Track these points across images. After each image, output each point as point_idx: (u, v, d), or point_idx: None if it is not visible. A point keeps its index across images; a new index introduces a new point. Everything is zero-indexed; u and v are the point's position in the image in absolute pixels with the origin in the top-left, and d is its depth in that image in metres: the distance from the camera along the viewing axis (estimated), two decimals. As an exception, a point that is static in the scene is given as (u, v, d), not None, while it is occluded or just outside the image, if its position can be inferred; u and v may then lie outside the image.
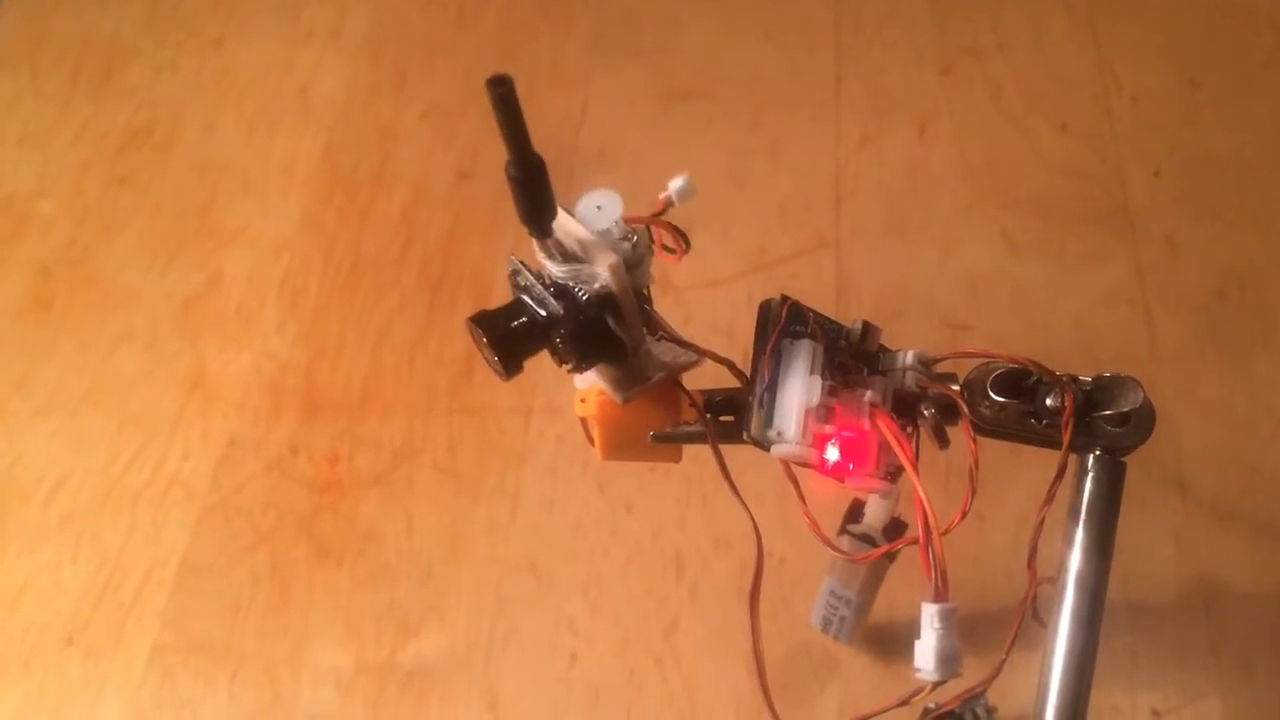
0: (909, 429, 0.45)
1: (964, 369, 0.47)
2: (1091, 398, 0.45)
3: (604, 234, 0.41)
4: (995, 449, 0.47)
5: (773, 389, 0.43)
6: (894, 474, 0.45)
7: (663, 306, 0.45)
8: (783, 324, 0.44)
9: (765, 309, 0.45)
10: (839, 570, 0.63)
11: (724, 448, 0.46)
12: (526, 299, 0.41)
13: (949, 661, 0.42)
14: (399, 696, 0.74)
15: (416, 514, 0.82)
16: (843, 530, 0.60)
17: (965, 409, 0.45)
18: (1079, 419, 0.45)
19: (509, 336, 0.40)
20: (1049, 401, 0.45)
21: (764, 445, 0.43)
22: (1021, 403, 0.46)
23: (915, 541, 0.42)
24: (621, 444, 0.49)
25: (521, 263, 0.41)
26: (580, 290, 0.40)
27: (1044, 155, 0.95)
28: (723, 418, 0.47)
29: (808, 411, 0.42)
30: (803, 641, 0.72)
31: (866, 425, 0.43)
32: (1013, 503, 0.73)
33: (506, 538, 0.80)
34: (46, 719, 0.76)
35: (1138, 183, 0.92)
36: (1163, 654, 0.69)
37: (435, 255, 0.96)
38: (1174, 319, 0.84)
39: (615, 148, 1.01)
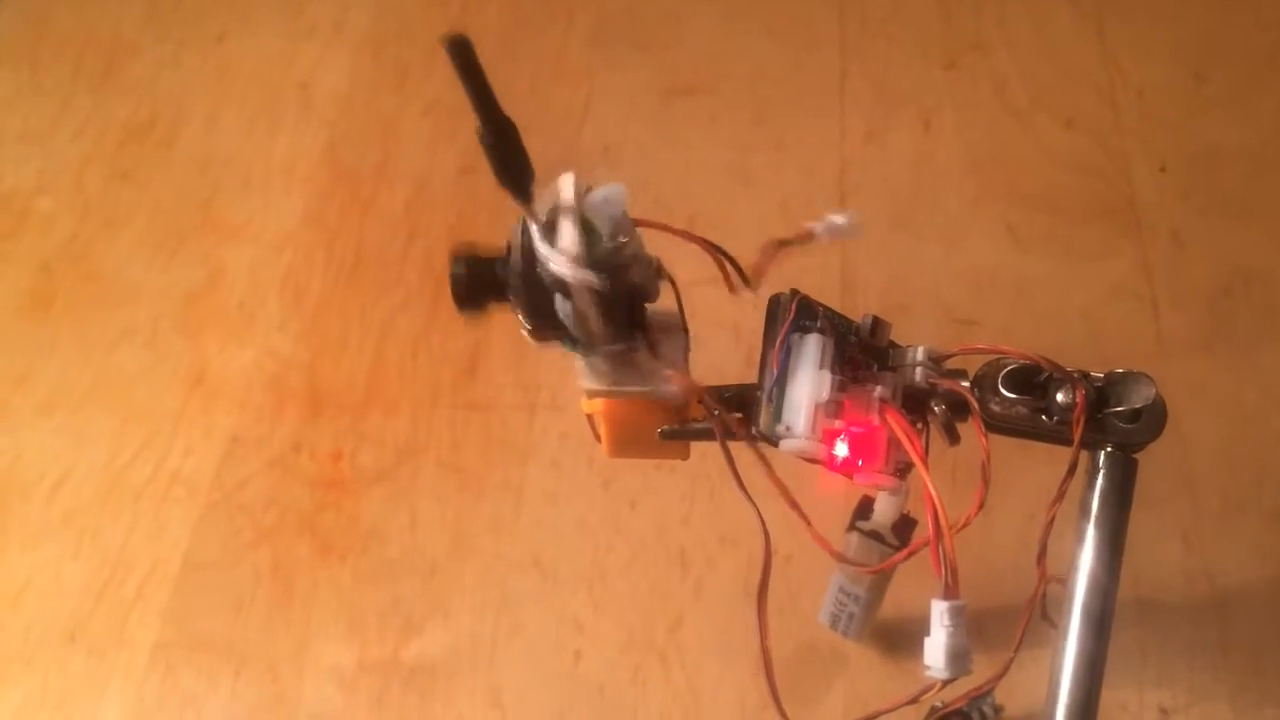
0: (919, 425, 0.45)
1: (974, 365, 0.47)
2: (1103, 394, 0.45)
3: (590, 225, 0.40)
4: (1004, 445, 0.47)
5: (781, 384, 0.43)
6: (903, 471, 0.44)
7: (666, 302, 0.44)
8: (792, 318, 0.43)
9: (774, 303, 0.44)
10: (848, 567, 0.62)
11: (733, 445, 0.45)
12: (509, 249, 0.41)
13: (959, 659, 0.42)
14: (402, 694, 0.74)
15: (420, 511, 0.82)
16: (852, 527, 0.60)
17: (976, 405, 0.45)
18: (1090, 415, 0.44)
19: (468, 274, 0.41)
20: (1060, 398, 0.45)
21: (772, 440, 0.42)
22: (1032, 399, 0.45)
23: (929, 542, 0.42)
24: (629, 441, 0.49)
25: (524, 219, 0.40)
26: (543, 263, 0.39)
27: (1049, 150, 0.94)
28: (733, 414, 0.47)
29: (817, 407, 0.42)
30: (810, 639, 0.71)
31: (876, 421, 0.43)
32: (1021, 499, 0.73)
33: (510, 534, 0.80)
34: (49, 716, 0.76)
35: (1144, 178, 0.91)
36: (1171, 651, 0.69)
37: (438, 251, 0.96)
38: (1181, 314, 0.83)
39: (618, 144, 1.00)
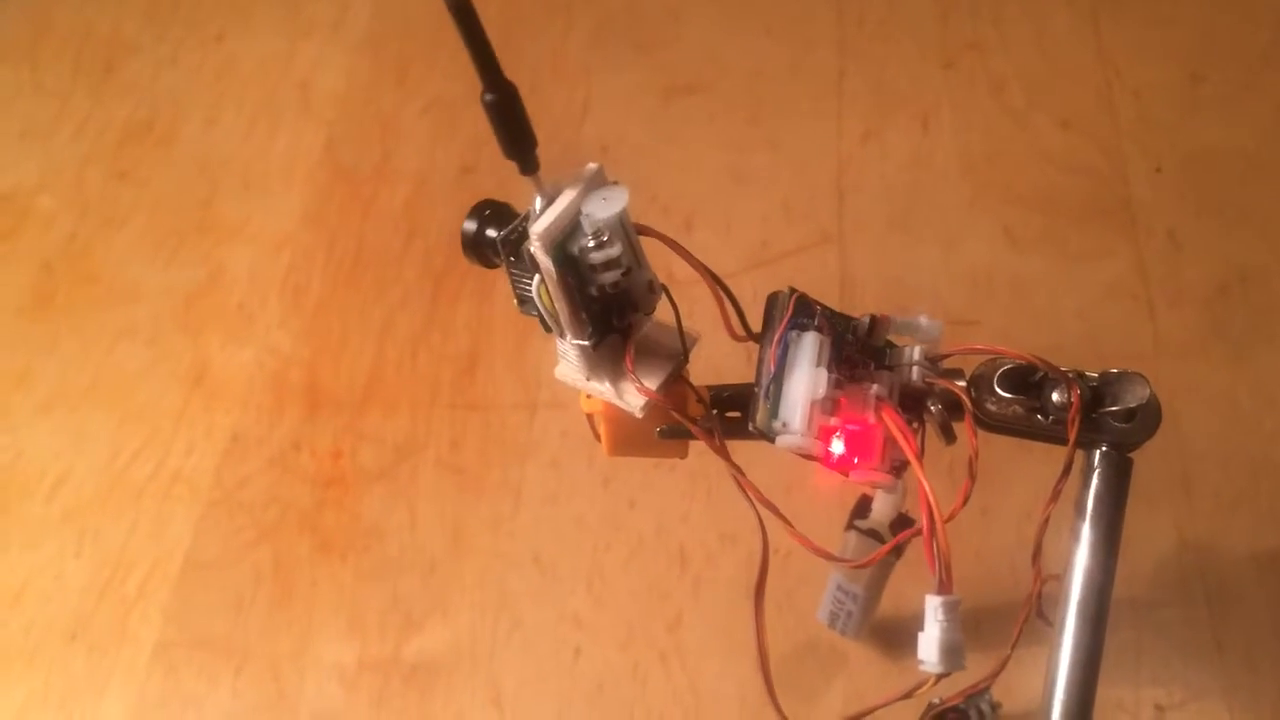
0: (915, 424, 0.45)
1: (970, 365, 0.47)
2: (1098, 394, 0.45)
3: (576, 216, 0.40)
4: (1000, 445, 0.47)
5: (779, 380, 0.43)
6: (899, 469, 0.45)
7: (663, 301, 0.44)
8: (789, 316, 0.44)
9: (772, 301, 0.45)
10: (844, 567, 0.63)
11: (730, 443, 0.45)
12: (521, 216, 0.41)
13: (952, 654, 0.42)
14: (403, 691, 0.75)
15: (420, 509, 0.82)
16: (850, 526, 0.60)
17: (969, 404, 0.45)
18: (1085, 415, 0.44)
19: (476, 232, 0.43)
20: (1055, 397, 0.45)
21: (769, 436, 0.43)
22: (1028, 399, 0.45)
23: (919, 532, 0.42)
24: (628, 439, 0.49)
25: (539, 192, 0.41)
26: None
27: (1046, 150, 0.95)
28: (730, 413, 0.47)
29: (813, 404, 0.42)
30: (808, 636, 0.72)
31: (872, 419, 0.43)
32: (1018, 499, 0.73)
33: (510, 532, 0.80)
34: (51, 715, 0.76)
35: (1140, 178, 0.92)
36: (1166, 649, 0.69)
37: (438, 250, 0.96)
38: (1177, 314, 0.84)
39: (617, 143, 1.01)
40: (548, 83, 1.05)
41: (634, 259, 0.41)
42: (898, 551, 0.57)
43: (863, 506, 0.60)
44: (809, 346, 0.44)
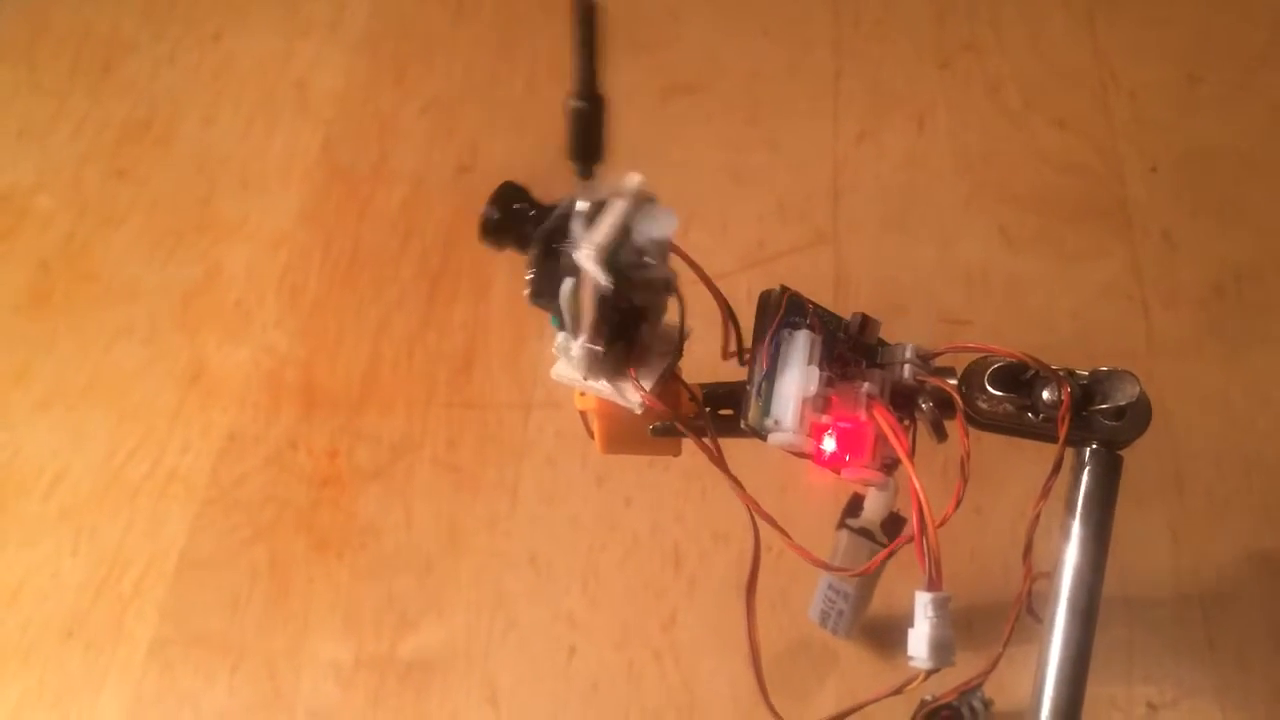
0: (906, 422, 0.45)
1: (962, 363, 0.48)
2: (1088, 392, 0.45)
3: (628, 231, 0.40)
4: (992, 443, 0.48)
5: (770, 378, 0.43)
6: (890, 467, 0.45)
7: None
8: (781, 314, 0.44)
9: (765, 299, 0.45)
10: (838, 565, 0.63)
11: (723, 441, 0.46)
12: (548, 210, 0.41)
13: (942, 650, 0.42)
14: (399, 689, 0.75)
15: (416, 508, 0.82)
16: (841, 524, 0.60)
17: (960, 402, 0.45)
18: (1076, 413, 0.45)
19: (499, 219, 0.41)
20: (1046, 395, 0.45)
21: (761, 434, 0.43)
22: (1019, 397, 0.46)
23: (912, 539, 0.42)
24: (621, 437, 0.49)
25: (576, 195, 0.41)
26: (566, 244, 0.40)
27: (1042, 150, 0.95)
28: (723, 411, 0.47)
29: (805, 401, 0.42)
30: (801, 635, 0.72)
31: (863, 417, 0.43)
32: (1010, 497, 0.74)
33: (506, 531, 0.80)
34: (47, 712, 0.77)
35: (1135, 178, 0.92)
36: (1159, 647, 0.70)
37: (434, 249, 0.96)
38: (1171, 314, 0.84)
39: (615, 142, 1.01)
40: (545, 82, 1.06)
41: (669, 278, 0.41)
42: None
43: (854, 505, 0.60)
44: (801, 344, 0.44)
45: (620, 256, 0.39)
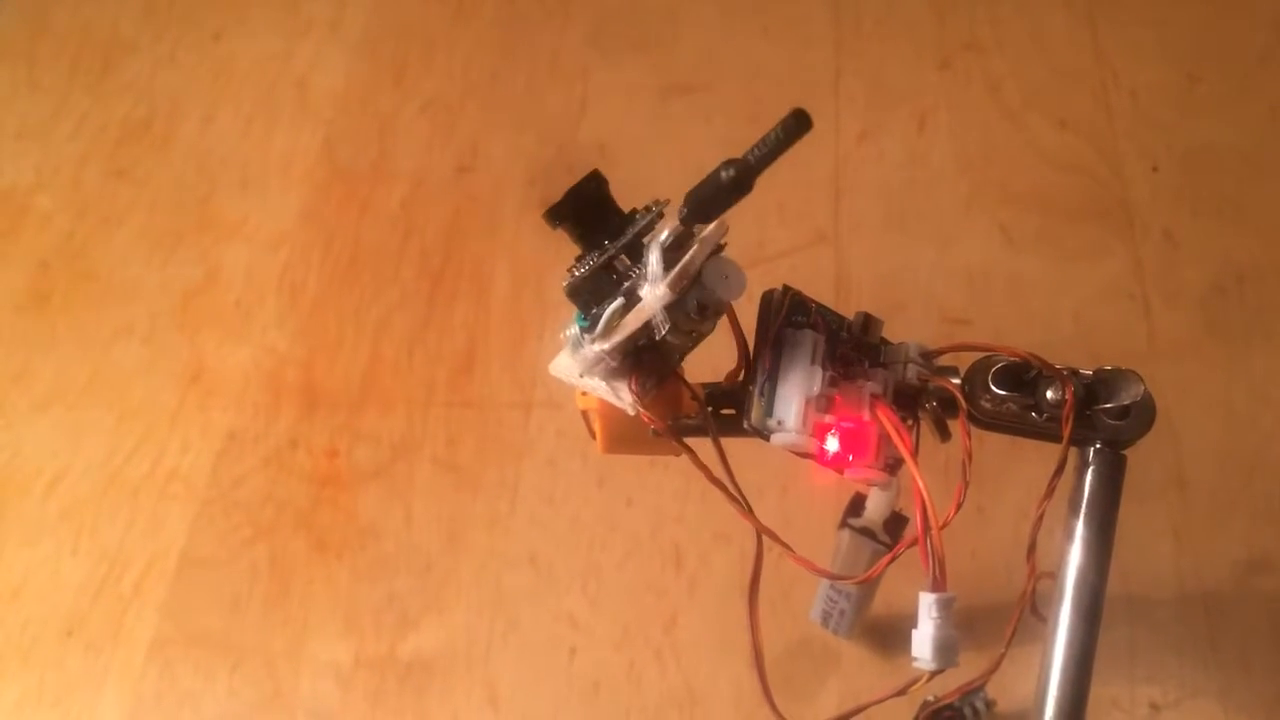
0: (909, 421, 0.45)
1: (965, 362, 0.47)
2: (1092, 391, 0.45)
3: (694, 283, 0.40)
4: (995, 442, 0.47)
5: (773, 378, 0.43)
6: (893, 466, 0.45)
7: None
8: (784, 314, 0.44)
9: (768, 299, 0.45)
10: (839, 564, 0.63)
11: (725, 441, 0.45)
12: (634, 219, 0.41)
13: (946, 651, 0.42)
14: (399, 689, 0.75)
15: (416, 508, 0.82)
16: (844, 524, 0.60)
17: (963, 402, 0.45)
18: (1079, 412, 0.45)
19: (577, 207, 0.41)
20: (1049, 395, 0.45)
21: (764, 434, 0.43)
22: (1022, 396, 0.45)
23: (916, 543, 0.42)
24: (622, 437, 0.49)
25: (666, 228, 0.41)
26: (632, 273, 0.40)
27: (1043, 150, 0.95)
28: (725, 411, 0.47)
29: (808, 401, 0.42)
30: (803, 635, 0.72)
31: (867, 416, 0.43)
32: (1013, 496, 0.74)
33: (506, 531, 0.80)
34: (47, 712, 0.76)
35: (1136, 177, 0.92)
36: (1161, 648, 0.70)
37: (434, 249, 0.96)
38: (1173, 313, 0.84)
39: (614, 142, 1.01)
40: (545, 82, 1.05)
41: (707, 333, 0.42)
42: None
43: (856, 505, 0.60)
44: (804, 344, 0.44)
45: (685, 304, 0.40)
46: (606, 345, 0.40)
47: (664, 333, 0.39)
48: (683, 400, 0.46)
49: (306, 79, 1.10)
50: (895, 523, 0.59)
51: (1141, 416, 0.45)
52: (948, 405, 0.45)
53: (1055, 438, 0.45)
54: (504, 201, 0.97)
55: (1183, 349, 0.82)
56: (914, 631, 0.43)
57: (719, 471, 0.45)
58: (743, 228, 0.93)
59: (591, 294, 0.41)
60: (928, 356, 0.46)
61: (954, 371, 0.47)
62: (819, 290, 0.46)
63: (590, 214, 0.41)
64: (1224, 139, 0.93)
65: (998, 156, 0.95)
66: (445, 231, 0.97)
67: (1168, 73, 0.98)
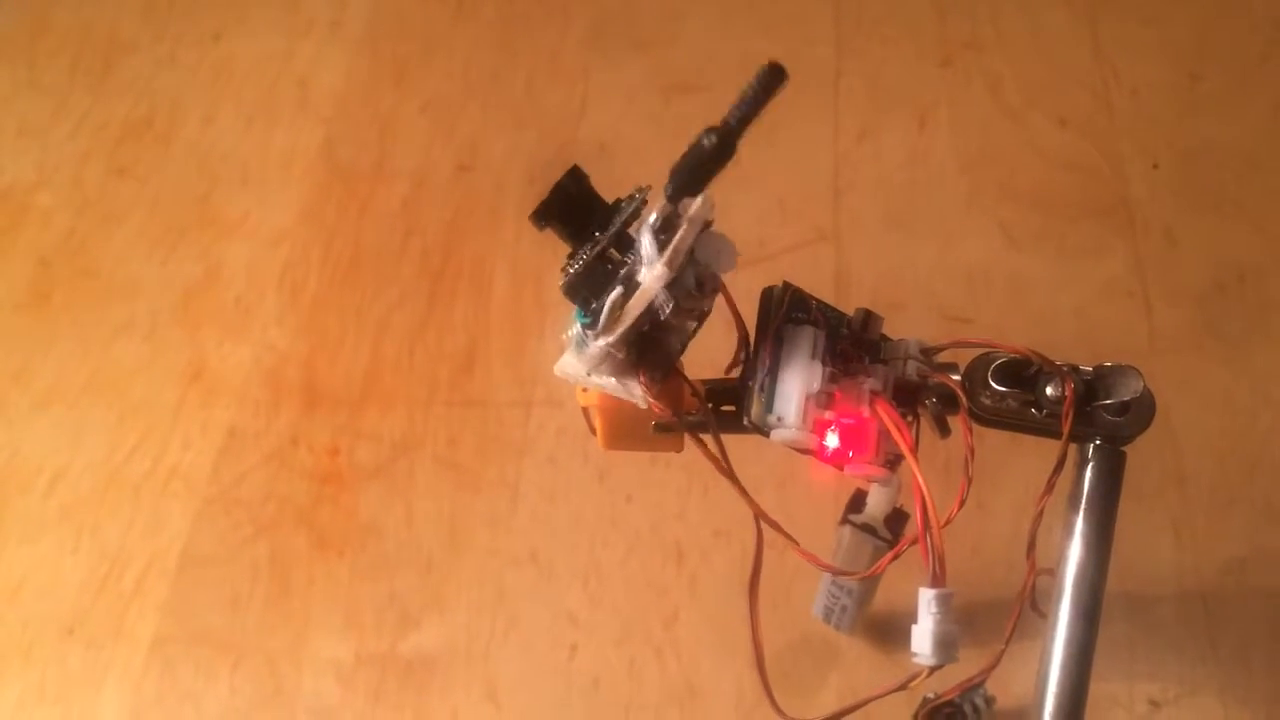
0: (909, 418, 0.45)
1: (965, 359, 0.48)
2: (1091, 387, 0.45)
3: (689, 259, 0.40)
4: (995, 439, 0.47)
5: (773, 374, 0.43)
6: (894, 462, 0.45)
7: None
8: (784, 310, 0.44)
9: (767, 295, 0.45)
10: (840, 560, 0.63)
11: (725, 437, 0.46)
12: (619, 208, 0.41)
13: (946, 646, 0.42)
14: (400, 687, 0.75)
15: (417, 506, 0.82)
16: (844, 520, 0.60)
17: (964, 398, 0.45)
18: (1079, 408, 0.45)
19: (561, 205, 0.41)
20: (1049, 391, 0.45)
21: (764, 430, 0.43)
22: (1022, 392, 0.46)
23: (916, 542, 0.42)
24: (623, 433, 0.49)
25: (653, 211, 0.41)
26: (627, 260, 0.40)
27: (1043, 148, 0.95)
28: (725, 407, 0.47)
29: (808, 397, 0.42)
30: (803, 632, 0.72)
31: (866, 412, 0.43)
32: (1012, 493, 0.74)
33: (507, 529, 0.80)
34: (47, 710, 0.77)
35: (1137, 175, 0.92)
36: (1161, 645, 0.70)
37: (435, 248, 0.96)
38: (1173, 311, 0.84)
39: (615, 141, 1.01)
40: (545, 81, 1.06)
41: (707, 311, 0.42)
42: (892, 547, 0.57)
43: (857, 501, 0.60)
44: (804, 340, 0.44)
45: (682, 282, 0.39)
46: (611, 338, 0.40)
47: (668, 312, 0.39)
48: (684, 397, 0.46)
49: (307, 78, 1.11)
50: (896, 519, 0.59)
51: (1141, 413, 0.45)
52: (948, 401, 0.45)
53: (1055, 434, 0.45)
54: (504, 201, 0.98)
55: (1183, 346, 0.82)
56: (914, 627, 0.43)
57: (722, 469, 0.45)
58: (743, 226, 0.94)
59: (589, 289, 0.40)
60: (928, 353, 0.46)
61: (954, 368, 0.47)
62: (819, 288, 0.46)
63: (575, 210, 0.41)
64: (1225, 137, 0.93)
65: (998, 155, 0.95)
66: (445, 231, 0.97)
67: (1168, 71, 0.98)
